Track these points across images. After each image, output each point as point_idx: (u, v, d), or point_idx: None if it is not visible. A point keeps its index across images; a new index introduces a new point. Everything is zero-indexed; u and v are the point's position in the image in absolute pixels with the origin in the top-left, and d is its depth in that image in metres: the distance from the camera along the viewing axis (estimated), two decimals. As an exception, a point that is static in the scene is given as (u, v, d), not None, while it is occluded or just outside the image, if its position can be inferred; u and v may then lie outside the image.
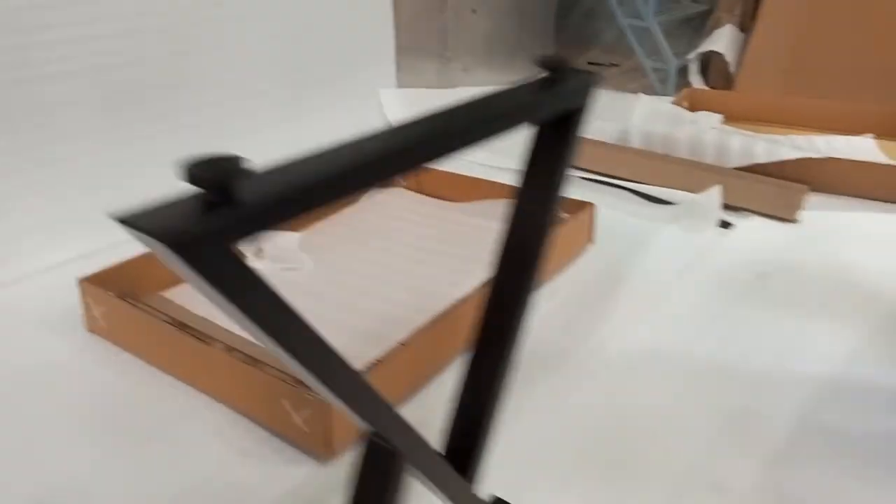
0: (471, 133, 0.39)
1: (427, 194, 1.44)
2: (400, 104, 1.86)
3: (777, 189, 1.39)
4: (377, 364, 0.80)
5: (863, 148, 1.69)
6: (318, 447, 0.76)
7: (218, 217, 0.25)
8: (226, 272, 0.27)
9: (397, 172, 0.35)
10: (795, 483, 0.75)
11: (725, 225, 1.32)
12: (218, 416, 0.84)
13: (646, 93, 2.18)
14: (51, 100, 1.20)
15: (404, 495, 0.42)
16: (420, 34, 1.97)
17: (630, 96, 1.94)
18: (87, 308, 1.00)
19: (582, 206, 1.22)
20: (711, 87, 2.28)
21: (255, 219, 0.27)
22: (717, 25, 2.31)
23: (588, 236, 1.24)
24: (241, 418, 0.83)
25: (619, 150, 1.61)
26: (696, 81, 2.29)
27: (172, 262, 0.27)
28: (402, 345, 0.85)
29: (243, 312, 0.28)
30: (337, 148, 0.33)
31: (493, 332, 0.48)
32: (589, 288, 1.14)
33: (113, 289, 0.98)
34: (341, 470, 0.76)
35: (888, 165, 1.46)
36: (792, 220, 1.34)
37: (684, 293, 1.12)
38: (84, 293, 0.99)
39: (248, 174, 0.27)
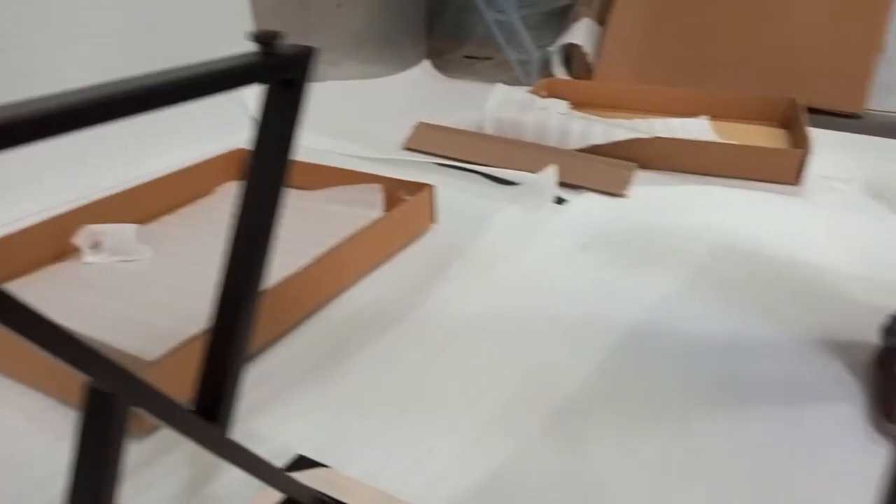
0: (174, 92, 0.43)
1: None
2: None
3: (608, 167, 1.49)
4: (190, 341, 0.83)
5: (698, 129, 1.84)
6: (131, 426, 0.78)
7: None
8: None
9: (92, 123, 0.38)
10: (582, 427, 0.83)
11: (560, 201, 1.41)
12: (34, 403, 0.84)
13: (513, 84, 2.28)
14: None
15: (125, 439, 0.45)
16: (282, 29, 1.98)
17: (490, 86, 2.02)
18: None
19: (422, 187, 1.27)
20: (574, 77, 2.41)
21: None
22: (577, 19, 2.45)
23: (430, 217, 1.30)
24: (57, 404, 0.84)
25: (472, 136, 1.69)
26: (560, 72, 2.41)
27: None
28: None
29: None
30: (22, 102, 0.36)
31: (233, 291, 0.52)
32: (428, 264, 1.20)
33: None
34: (154, 445, 0.79)
35: (708, 142, 1.60)
36: (621, 195, 1.45)
37: (515, 264, 1.20)
38: None
39: None
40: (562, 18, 2.58)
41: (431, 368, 0.93)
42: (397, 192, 1.31)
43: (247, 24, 1.83)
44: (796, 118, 1.78)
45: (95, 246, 1.14)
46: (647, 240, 1.29)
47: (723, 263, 1.20)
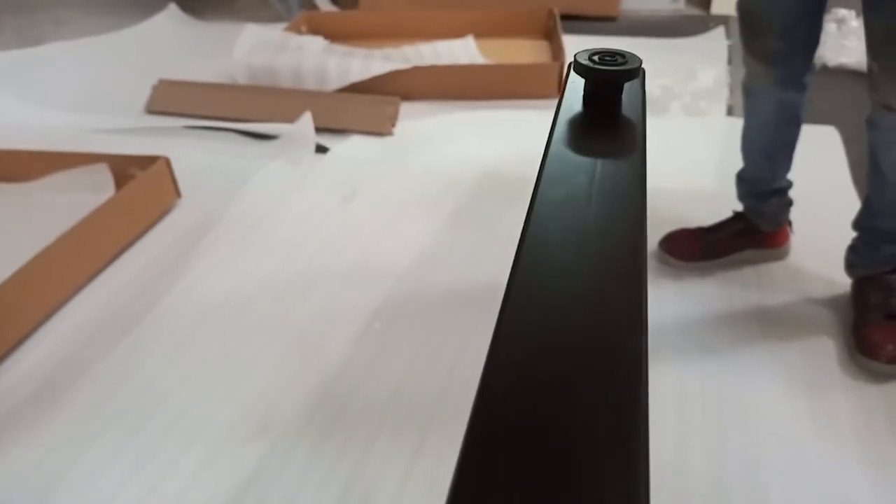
0: None
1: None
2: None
3: (370, 105, 1.41)
4: None
5: (464, 50, 1.80)
6: None
7: None
8: None
9: None
10: (343, 412, 0.77)
11: (322, 150, 1.31)
12: None
13: (276, 21, 2.09)
14: None
15: None
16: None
17: (238, 27, 1.83)
18: None
19: (152, 161, 1.11)
20: (340, 8, 2.27)
21: None
22: (334, -57, 2.28)
23: (172, 191, 1.15)
24: None
25: (221, 89, 1.52)
26: (323, 4, 2.25)
27: None
28: None
29: None
30: None
31: None
32: (173, 246, 1.06)
33: None
34: None
35: (467, 66, 1.56)
36: (386, 133, 1.38)
37: (272, 229, 1.10)
38: None
39: None
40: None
41: (172, 371, 0.82)
42: (128, 170, 1.14)
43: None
44: (554, 28, 1.79)
45: None
46: (413, 180, 1.23)
47: (489, 194, 1.18)
